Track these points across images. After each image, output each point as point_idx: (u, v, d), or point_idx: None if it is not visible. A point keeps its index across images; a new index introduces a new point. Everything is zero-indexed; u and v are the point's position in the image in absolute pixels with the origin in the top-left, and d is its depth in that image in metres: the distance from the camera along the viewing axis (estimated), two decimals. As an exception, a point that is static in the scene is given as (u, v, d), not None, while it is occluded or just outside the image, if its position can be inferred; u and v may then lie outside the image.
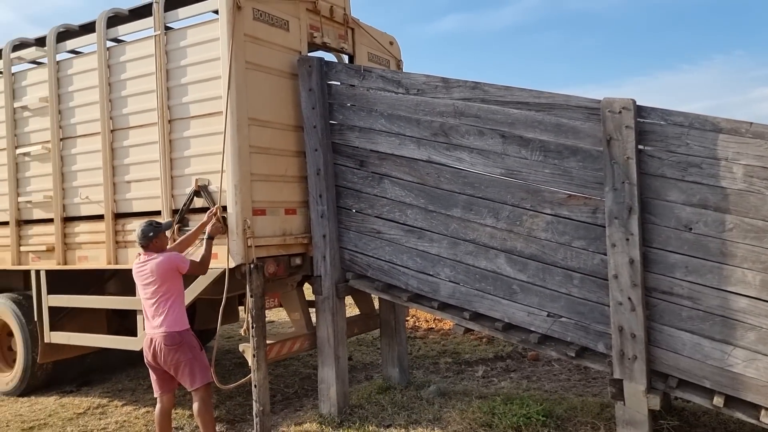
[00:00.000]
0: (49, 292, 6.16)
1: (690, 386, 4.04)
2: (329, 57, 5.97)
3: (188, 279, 5.17)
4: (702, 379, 3.97)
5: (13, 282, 6.88)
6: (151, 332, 4.51)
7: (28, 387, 6.62)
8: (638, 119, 4.08)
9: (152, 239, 4.57)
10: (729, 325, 3.86)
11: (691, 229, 3.95)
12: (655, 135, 4.06)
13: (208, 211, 4.91)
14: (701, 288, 3.94)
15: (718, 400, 3.88)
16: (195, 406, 4.54)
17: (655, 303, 4.11)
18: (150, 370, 4.62)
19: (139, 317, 5.37)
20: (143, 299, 4.57)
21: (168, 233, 4.88)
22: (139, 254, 4.63)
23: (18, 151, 6.36)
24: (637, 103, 4.09)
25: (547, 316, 4.49)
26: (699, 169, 3.92)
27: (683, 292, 4.00)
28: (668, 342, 4.08)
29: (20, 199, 6.37)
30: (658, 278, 4.08)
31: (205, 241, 4.74)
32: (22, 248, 6.32)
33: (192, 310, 6.60)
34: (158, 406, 4.63)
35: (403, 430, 5.01)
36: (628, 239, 4.07)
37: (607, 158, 4.13)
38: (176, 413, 5.80)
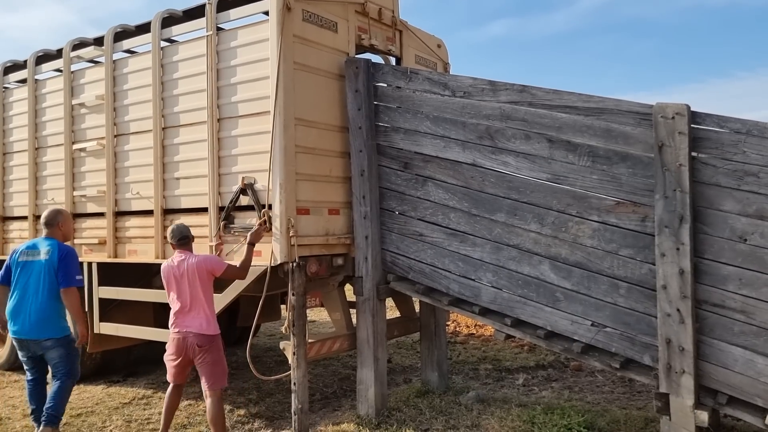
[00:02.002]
0: (100, 284, 6.34)
1: (741, 404, 3.89)
2: (376, 59, 5.99)
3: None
4: (754, 397, 3.81)
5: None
6: (184, 330, 4.67)
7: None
8: (692, 125, 3.95)
9: (191, 239, 4.85)
10: (784, 341, 3.70)
11: (746, 240, 3.80)
12: (710, 142, 3.92)
13: (258, 222, 4.98)
14: (756, 302, 3.78)
15: (770, 420, 3.72)
16: (209, 406, 4.68)
17: (706, 316, 3.96)
18: (170, 363, 4.80)
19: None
20: (176, 296, 4.71)
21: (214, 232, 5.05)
22: (176, 252, 4.80)
23: (74, 146, 6.59)
24: (692, 109, 3.96)
25: (591, 325, 4.38)
26: (756, 179, 3.77)
27: (736, 306, 3.85)
28: (718, 357, 3.93)
29: (75, 193, 6.59)
30: (709, 290, 3.94)
31: (246, 247, 4.85)
32: (76, 240, 6.53)
33: (235, 306, 6.72)
34: (172, 387, 4.85)
35: (441, 434, 4.97)
36: (678, 249, 3.95)
37: (658, 165, 4.02)
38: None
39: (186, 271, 4.66)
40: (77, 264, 5.03)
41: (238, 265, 4.79)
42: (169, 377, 4.86)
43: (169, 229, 4.92)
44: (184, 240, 4.80)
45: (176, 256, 4.77)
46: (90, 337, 6.41)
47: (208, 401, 4.69)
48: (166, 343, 4.88)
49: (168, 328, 4.84)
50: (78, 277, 4.97)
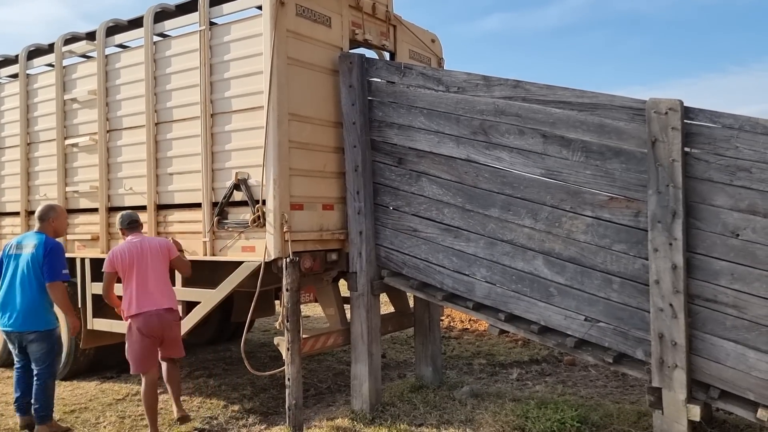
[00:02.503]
0: (93, 280, 6.32)
1: (733, 398, 3.91)
2: (370, 54, 5.98)
3: (225, 272, 5.27)
4: (746, 391, 3.84)
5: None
6: (154, 308, 4.91)
7: (71, 371, 6.82)
8: (685, 121, 3.96)
9: (140, 223, 5.25)
10: (776, 336, 3.72)
11: (738, 235, 3.82)
12: (703, 137, 3.93)
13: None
14: (747, 297, 3.80)
15: (762, 413, 3.75)
16: (172, 370, 5.20)
17: (698, 310, 3.99)
18: (141, 346, 4.91)
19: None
20: (139, 276, 4.90)
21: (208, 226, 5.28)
22: (128, 236, 5.12)
23: (66, 142, 6.55)
24: (684, 105, 3.97)
25: (585, 320, 4.40)
26: (748, 174, 3.78)
27: (728, 301, 3.87)
28: (711, 351, 3.95)
29: (68, 188, 6.56)
30: (701, 285, 3.96)
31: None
32: (69, 236, 6.50)
33: (229, 302, 6.70)
34: (147, 380, 4.95)
35: (435, 429, 4.98)
36: (671, 244, 3.96)
37: (651, 160, 4.03)
38: (211, 403, 5.91)
39: (149, 251, 4.95)
40: (63, 259, 5.09)
41: (186, 259, 5.26)
42: (140, 367, 4.92)
43: (118, 217, 5.27)
44: (134, 224, 5.13)
45: (132, 239, 5.03)
46: (83, 331, 6.39)
47: (169, 366, 5.18)
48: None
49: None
50: (64, 272, 5.05)
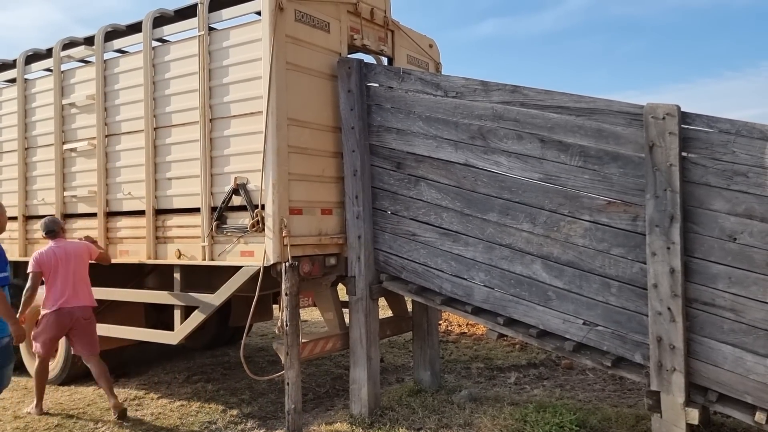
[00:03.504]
0: (92, 285, 6.29)
1: (731, 401, 3.93)
2: (369, 59, 6.00)
3: (224, 277, 5.28)
4: (743, 394, 3.86)
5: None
6: (70, 306, 5.60)
7: (69, 376, 6.80)
8: (682, 126, 3.99)
9: (62, 228, 5.89)
10: (773, 339, 3.74)
11: (735, 239, 3.84)
12: (700, 142, 3.96)
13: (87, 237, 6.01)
14: (745, 300, 3.82)
15: (760, 417, 3.77)
16: (95, 365, 5.66)
17: (696, 314, 4.01)
18: (50, 336, 5.68)
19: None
20: (62, 278, 5.59)
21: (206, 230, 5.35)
22: (50, 241, 5.73)
23: (65, 146, 6.55)
24: (682, 109, 4.00)
25: (583, 324, 4.42)
26: (745, 178, 3.81)
27: (725, 304, 3.89)
28: (708, 355, 3.97)
29: (66, 193, 6.56)
30: (699, 289, 3.98)
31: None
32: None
33: (227, 306, 6.70)
34: (41, 362, 5.78)
35: (434, 433, 4.98)
36: (669, 248, 3.99)
37: (649, 165, 4.05)
38: (209, 408, 5.90)
39: (73, 255, 5.66)
40: (2, 260, 4.47)
41: (105, 253, 5.98)
42: (43, 351, 5.70)
43: (40, 223, 5.88)
44: (52, 233, 5.75)
45: (55, 244, 5.69)
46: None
47: (92, 363, 5.68)
48: (159, 344, 4.92)
49: (161, 329, 4.86)
50: (2, 275, 4.44)
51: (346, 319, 5.62)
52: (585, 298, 4.40)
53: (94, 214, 6.27)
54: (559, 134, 4.46)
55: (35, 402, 5.83)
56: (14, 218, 7.08)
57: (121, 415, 5.57)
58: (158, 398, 6.30)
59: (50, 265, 5.59)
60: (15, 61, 7.06)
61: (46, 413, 5.81)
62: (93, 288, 6.26)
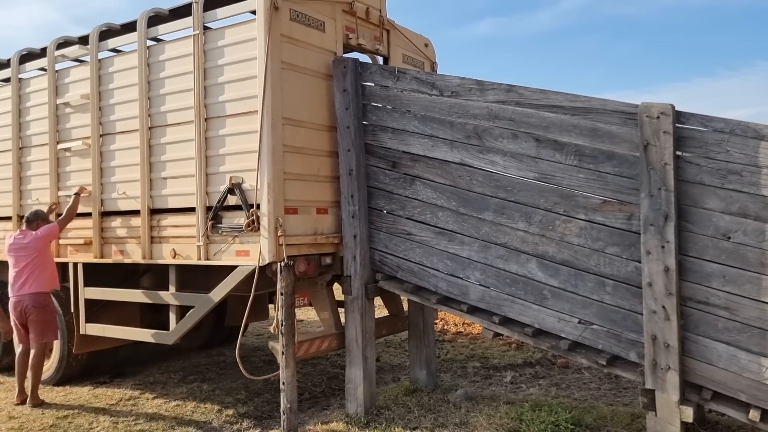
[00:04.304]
0: (86, 285, 6.30)
1: (725, 399, 3.95)
2: (364, 58, 5.99)
3: (219, 276, 5.27)
4: (738, 392, 3.87)
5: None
6: (19, 294, 5.93)
7: (64, 377, 6.78)
8: (677, 125, 4.00)
9: (39, 219, 6.10)
10: (767, 337, 3.75)
11: (729, 238, 3.86)
12: (694, 141, 3.97)
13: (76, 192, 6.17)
14: (739, 299, 3.84)
15: (754, 414, 3.78)
16: (33, 357, 5.93)
17: (690, 313, 4.02)
18: (16, 325, 6.03)
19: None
20: (16, 266, 5.95)
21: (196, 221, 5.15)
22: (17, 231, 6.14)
23: (59, 146, 6.53)
24: (676, 109, 4.01)
25: (578, 322, 4.43)
26: (739, 177, 3.82)
27: (720, 303, 3.91)
28: (703, 353, 3.98)
29: (60, 193, 6.53)
30: (693, 287, 4.00)
31: (72, 197, 6.13)
32: (61, 241, 6.47)
33: (223, 306, 6.70)
34: (21, 349, 6.07)
35: (429, 432, 4.99)
36: (663, 247, 4.00)
37: (643, 164, 4.06)
38: (205, 408, 5.89)
39: (30, 244, 5.94)
40: None
41: (65, 215, 6.08)
42: (18, 338, 6.07)
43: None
44: (27, 222, 6.09)
45: (18, 234, 6.06)
46: (76, 336, 6.36)
47: (35, 349, 5.95)
48: (154, 344, 4.92)
49: (157, 328, 4.86)
50: None
51: (342, 319, 5.62)
52: (580, 296, 4.41)
53: (88, 214, 6.25)
54: (555, 133, 4.47)
55: (17, 391, 6.12)
56: (8, 218, 7.07)
57: (21, 403, 6.00)
58: (153, 398, 6.29)
59: (6, 254, 6.09)
60: (9, 60, 7.03)
61: (40, 405, 6.00)
62: (90, 288, 6.26)
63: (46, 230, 6.07)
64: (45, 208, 6.56)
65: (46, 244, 6.05)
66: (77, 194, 6.15)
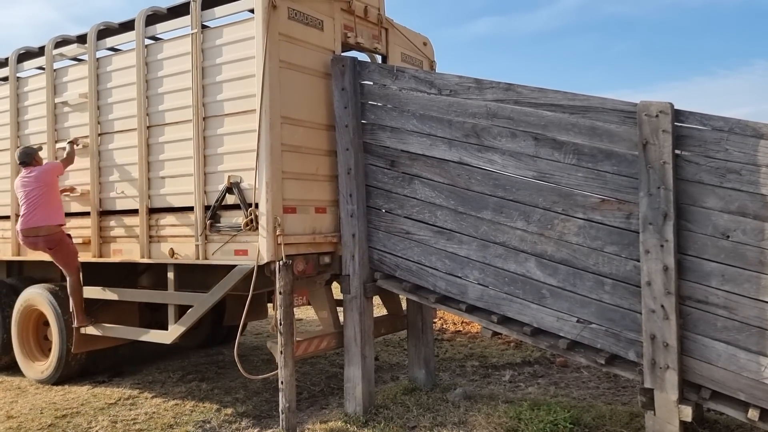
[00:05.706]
0: (85, 284, 6.29)
1: (724, 398, 3.94)
2: (363, 57, 5.99)
3: (218, 276, 5.27)
4: (737, 392, 3.87)
5: (51, 273, 7.05)
6: (29, 226, 5.95)
7: (62, 376, 6.77)
8: (676, 123, 4.00)
9: (33, 157, 6.10)
10: (766, 336, 3.75)
11: (728, 237, 3.85)
12: (693, 140, 3.97)
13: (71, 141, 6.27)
14: (738, 298, 3.83)
15: (753, 414, 3.78)
16: (69, 284, 6.08)
17: (689, 312, 4.01)
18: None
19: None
20: (26, 200, 5.96)
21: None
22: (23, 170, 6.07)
23: (57, 145, 6.51)
24: (675, 107, 4.00)
25: (577, 321, 4.42)
26: (738, 176, 3.82)
27: (719, 302, 3.90)
28: (702, 352, 3.98)
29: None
30: (692, 286, 3.99)
31: (67, 145, 6.23)
32: (60, 240, 6.45)
33: (221, 305, 6.69)
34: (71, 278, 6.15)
35: (428, 432, 4.99)
36: (662, 246, 3.99)
37: (642, 163, 4.06)
38: (203, 407, 5.89)
39: (36, 178, 5.96)
40: None
41: (65, 158, 6.18)
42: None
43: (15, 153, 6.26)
44: (28, 159, 6.08)
45: (24, 171, 6.04)
46: (74, 335, 6.36)
47: (68, 280, 6.07)
48: (153, 343, 4.90)
49: (155, 328, 4.85)
50: None
51: (341, 318, 5.61)
52: (579, 296, 4.40)
53: (87, 213, 6.24)
54: (553, 132, 4.46)
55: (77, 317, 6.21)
56: (7, 218, 7.05)
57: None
58: (152, 397, 6.28)
59: (17, 190, 6.13)
60: (7, 59, 7.02)
61: (86, 325, 6.27)
62: (87, 287, 6.25)
63: (51, 164, 6.14)
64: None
65: (53, 178, 6.04)
66: (71, 143, 6.23)
